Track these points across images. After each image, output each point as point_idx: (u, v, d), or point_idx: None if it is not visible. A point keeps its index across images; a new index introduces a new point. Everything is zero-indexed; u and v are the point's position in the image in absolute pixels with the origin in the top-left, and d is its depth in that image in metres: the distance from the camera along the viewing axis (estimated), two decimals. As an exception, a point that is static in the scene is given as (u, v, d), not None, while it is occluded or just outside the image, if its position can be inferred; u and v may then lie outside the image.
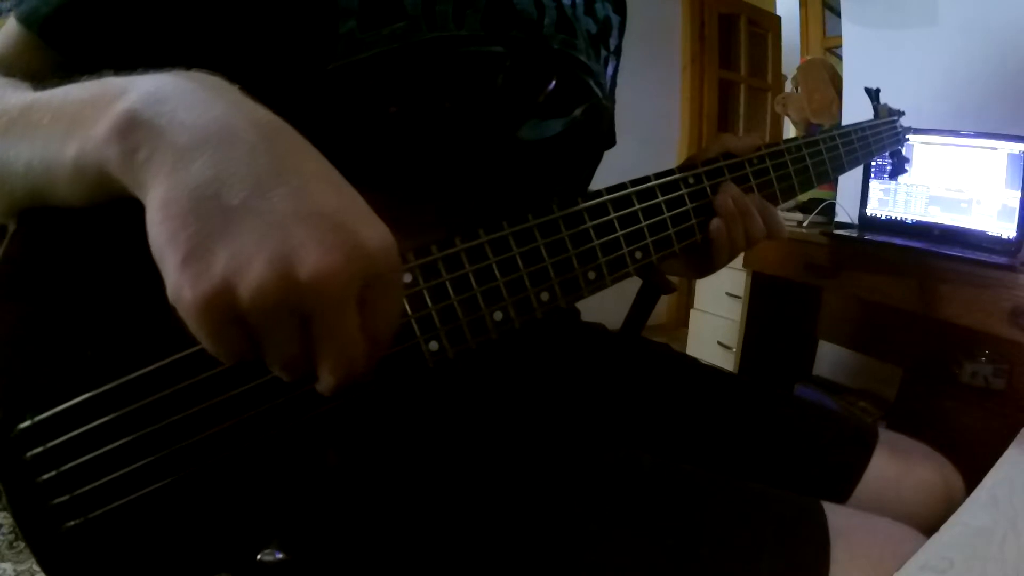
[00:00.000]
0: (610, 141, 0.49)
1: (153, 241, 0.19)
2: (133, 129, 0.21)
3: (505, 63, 0.36)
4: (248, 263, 0.18)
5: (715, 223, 0.38)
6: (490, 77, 0.35)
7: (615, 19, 0.47)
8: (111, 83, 0.23)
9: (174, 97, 0.21)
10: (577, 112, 0.40)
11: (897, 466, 0.45)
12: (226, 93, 0.22)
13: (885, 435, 0.47)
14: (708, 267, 0.42)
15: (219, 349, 0.20)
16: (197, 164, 0.20)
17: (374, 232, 0.21)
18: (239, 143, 0.20)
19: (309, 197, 0.20)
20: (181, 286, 0.19)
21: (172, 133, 0.20)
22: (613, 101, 0.50)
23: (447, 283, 0.28)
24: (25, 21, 0.30)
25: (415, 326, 0.27)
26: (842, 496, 0.44)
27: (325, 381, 0.21)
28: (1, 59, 0.30)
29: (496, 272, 0.29)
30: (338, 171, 0.22)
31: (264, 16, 0.31)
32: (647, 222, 0.34)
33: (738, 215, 0.39)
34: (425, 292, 0.27)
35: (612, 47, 0.47)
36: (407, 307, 0.27)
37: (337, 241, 0.19)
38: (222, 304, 0.19)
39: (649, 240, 0.34)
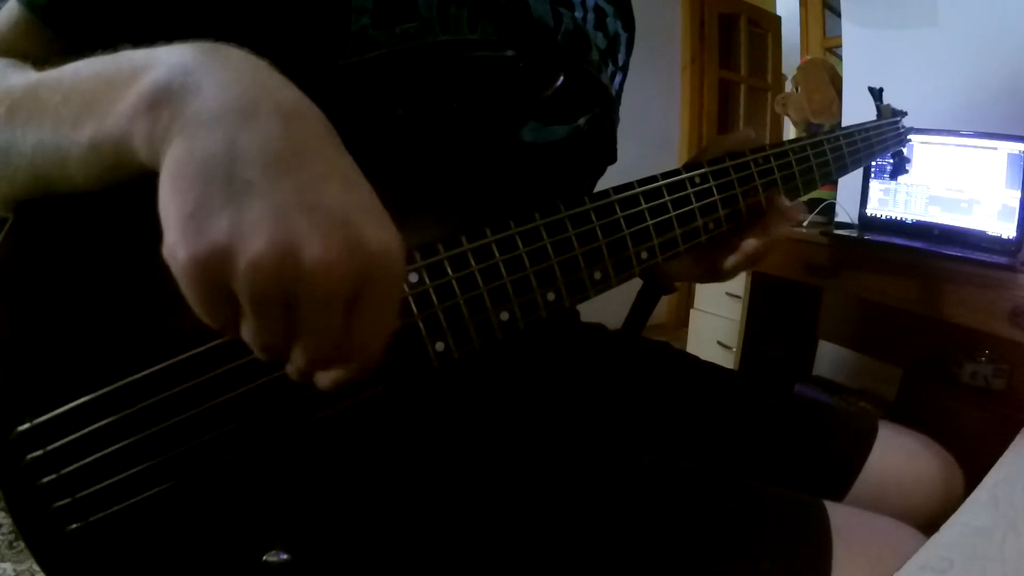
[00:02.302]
0: (611, 157, 0.49)
1: (160, 198, 0.19)
2: (162, 101, 0.21)
3: (516, 65, 0.36)
4: (250, 237, 0.18)
5: (753, 244, 0.38)
6: (499, 79, 0.35)
7: (624, 35, 0.47)
8: (129, 58, 0.23)
9: (198, 69, 0.21)
10: (581, 121, 0.40)
11: (897, 457, 0.46)
12: (251, 69, 0.22)
13: (885, 427, 0.48)
14: (718, 273, 0.42)
15: (204, 311, 0.20)
16: (215, 135, 0.19)
17: (380, 234, 0.20)
18: (259, 125, 0.20)
19: (317, 191, 0.20)
20: (178, 241, 0.18)
21: (195, 104, 0.20)
22: (617, 116, 0.50)
23: (453, 282, 0.28)
24: (27, 3, 0.29)
25: (421, 326, 0.27)
26: (843, 488, 0.44)
27: (294, 366, 0.21)
28: (1, 41, 0.30)
29: (503, 272, 0.29)
30: (356, 166, 0.22)
31: (277, 7, 0.31)
32: (653, 222, 0.34)
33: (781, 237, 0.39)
34: (431, 291, 0.27)
35: (620, 63, 0.47)
36: (413, 307, 0.27)
37: (340, 237, 0.19)
38: (214, 268, 0.18)
39: (655, 241, 0.34)
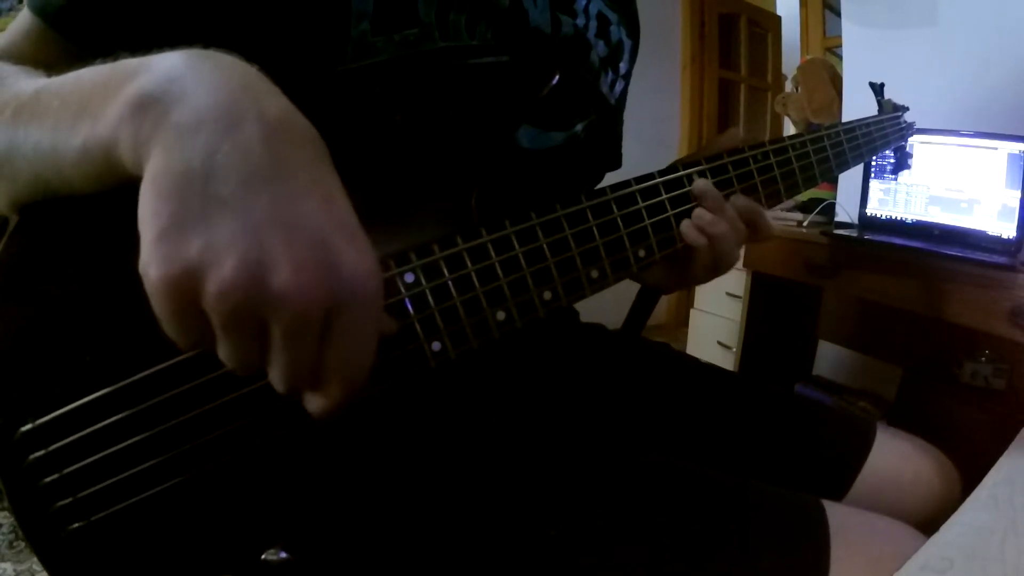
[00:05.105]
0: (614, 163, 0.48)
1: (139, 212, 0.19)
2: (145, 108, 0.20)
3: (513, 70, 0.36)
4: (220, 259, 0.18)
5: (684, 223, 0.36)
6: (496, 83, 0.35)
7: (627, 43, 0.47)
8: (124, 65, 0.23)
9: (185, 76, 0.21)
10: (579, 128, 0.40)
11: (895, 460, 0.46)
12: (238, 76, 0.22)
13: (883, 430, 0.48)
14: (687, 277, 0.39)
15: (174, 331, 0.20)
16: (194, 146, 0.19)
17: (355, 257, 0.20)
18: (240, 134, 0.20)
19: (294, 208, 0.19)
20: (150, 261, 0.18)
21: (177, 112, 0.20)
22: (621, 123, 0.50)
23: (449, 283, 0.28)
24: (39, 11, 0.30)
25: (417, 327, 0.27)
26: (841, 490, 0.44)
27: (275, 385, 0.21)
28: (15, 48, 0.31)
29: (499, 271, 0.29)
30: (340, 182, 0.22)
31: (278, 12, 0.31)
32: (651, 220, 0.34)
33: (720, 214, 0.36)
34: (427, 292, 0.27)
35: (622, 71, 0.47)
36: (409, 308, 0.27)
37: (312, 260, 0.19)
38: (184, 290, 0.18)
39: (653, 239, 0.34)
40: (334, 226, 0.20)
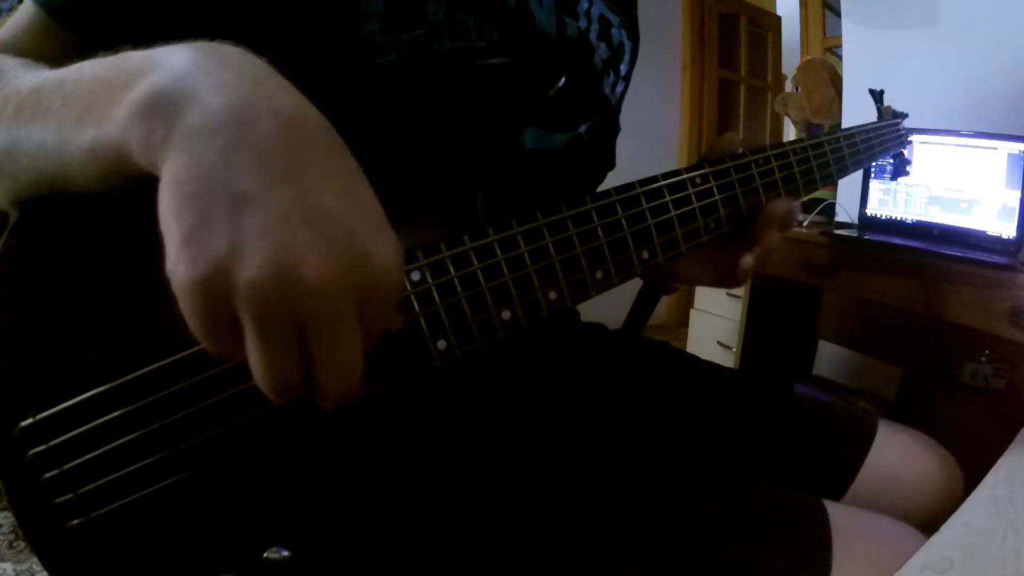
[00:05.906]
0: (610, 164, 0.49)
1: (161, 215, 0.19)
2: (156, 109, 0.20)
3: (519, 70, 0.36)
4: (250, 253, 0.18)
5: (749, 260, 0.38)
6: (503, 84, 0.36)
7: (628, 45, 0.47)
8: (128, 62, 0.23)
9: (193, 74, 0.21)
10: (582, 129, 0.41)
11: (896, 458, 0.46)
12: (249, 71, 0.21)
13: (885, 426, 0.48)
14: (734, 279, 0.41)
15: (204, 334, 0.19)
16: (212, 147, 0.19)
17: (382, 246, 0.20)
18: (255, 131, 0.19)
19: (319, 200, 0.19)
20: (178, 261, 0.18)
21: (191, 113, 0.20)
22: (618, 125, 0.50)
23: (455, 281, 0.28)
24: (42, 3, 0.30)
25: (423, 325, 0.27)
26: (842, 487, 0.44)
27: (326, 398, 0.21)
28: (16, 41, 0.30)
29: (504, 270, 0.29)
30: (361, 171, 0.21)
31: (287, 11, 0.31)
32: (654, 222, 0.34)
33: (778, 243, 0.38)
34: (434, 290, 0.27)
35: (623, 73, 0.47)
36: (415, 305, 0.27)
37: (340, 250, 0.19)
38: (215, 288, 0.18)
39: (656, 241, 0.34)
40: (360, 216, 0.20)
